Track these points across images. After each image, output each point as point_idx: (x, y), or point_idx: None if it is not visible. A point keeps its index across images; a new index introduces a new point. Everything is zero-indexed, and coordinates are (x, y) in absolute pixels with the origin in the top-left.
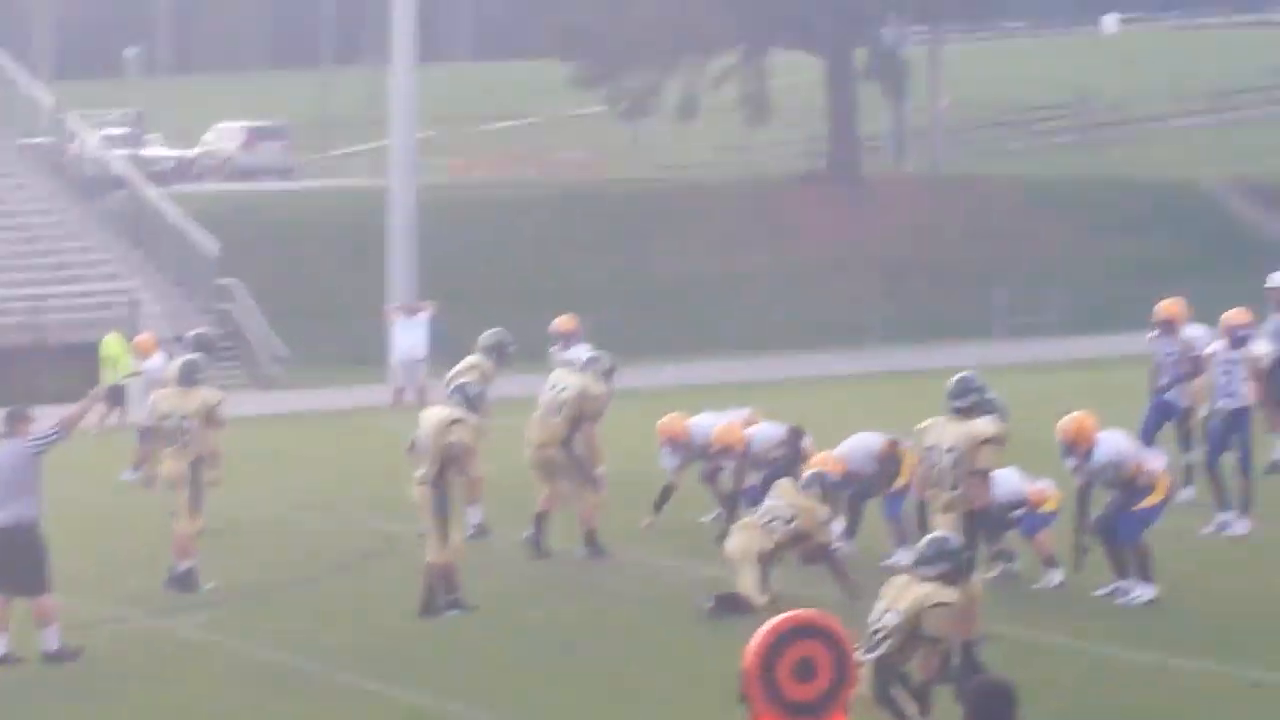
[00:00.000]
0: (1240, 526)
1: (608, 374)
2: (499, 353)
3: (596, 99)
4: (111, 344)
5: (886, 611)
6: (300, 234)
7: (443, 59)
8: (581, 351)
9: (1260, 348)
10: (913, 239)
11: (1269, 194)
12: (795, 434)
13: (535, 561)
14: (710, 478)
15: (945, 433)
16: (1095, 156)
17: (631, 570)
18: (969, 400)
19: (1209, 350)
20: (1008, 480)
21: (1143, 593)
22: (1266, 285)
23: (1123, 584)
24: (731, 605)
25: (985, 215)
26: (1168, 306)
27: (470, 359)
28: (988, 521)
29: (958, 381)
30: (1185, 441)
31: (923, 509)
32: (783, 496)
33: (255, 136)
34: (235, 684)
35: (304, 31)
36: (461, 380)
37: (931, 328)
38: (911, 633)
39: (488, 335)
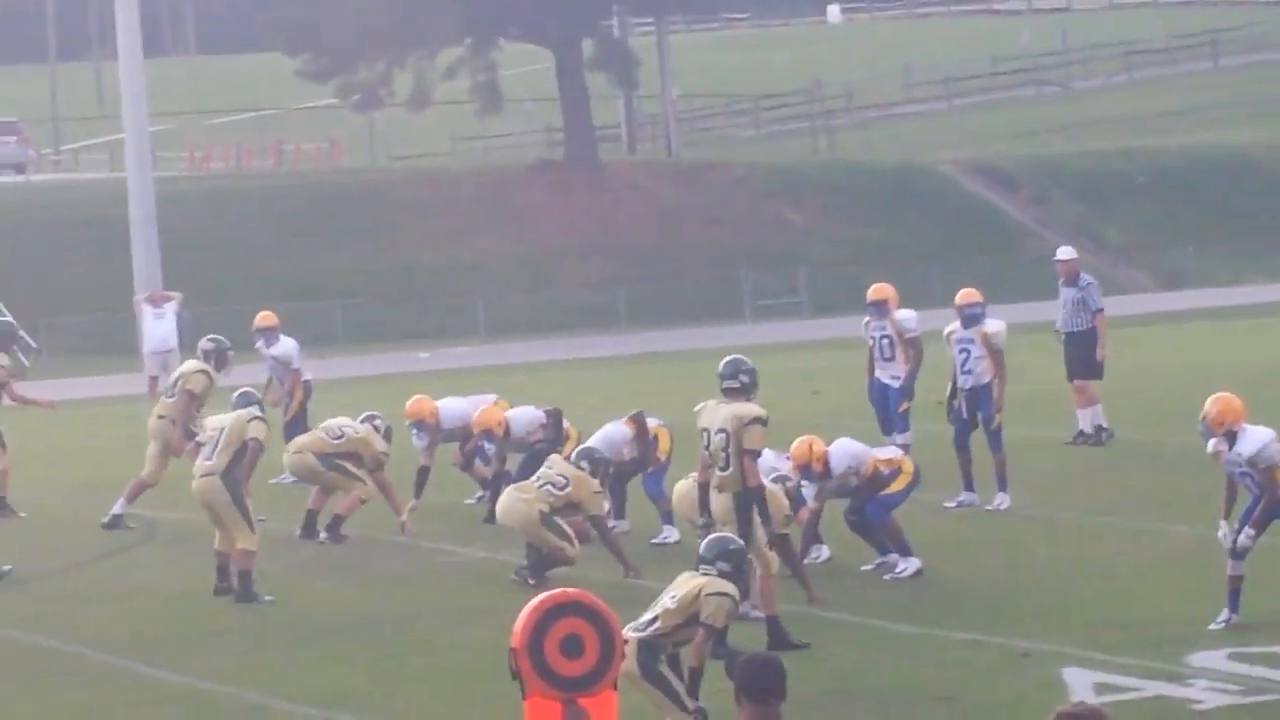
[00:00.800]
0: (1002, 501)
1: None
2: (219, 357)
3: (327, 91)
4: None
5: (667, 595)
6: (41, 228)
7: (168, 54)
8: (287, 347)
9: (992, 325)
10: (654, 225)
11: (1002, 176)
12: (555, 416)
13: (305, 545)
14: (466, 464)
15: (716, 414)
16: (828, 142)
17: (399, 552)
18: (739, 381)
19: (947, 330)
20: (845, 449)
21: (908, 565)
22: (1056, 258)
23: (887, 559)
24: (546, 564)
25: (724, 201)
26: (878, 289)
27: (192, 364)
28: (760, 503)
29: (728, 363)
30: (902, 423)
31: (704, 490)
32: (555, 466)
33: None
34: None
35: (29, 27)
36: (243, 391)
37: (679, 311)
38: (686, 617)
39: (207, 341)
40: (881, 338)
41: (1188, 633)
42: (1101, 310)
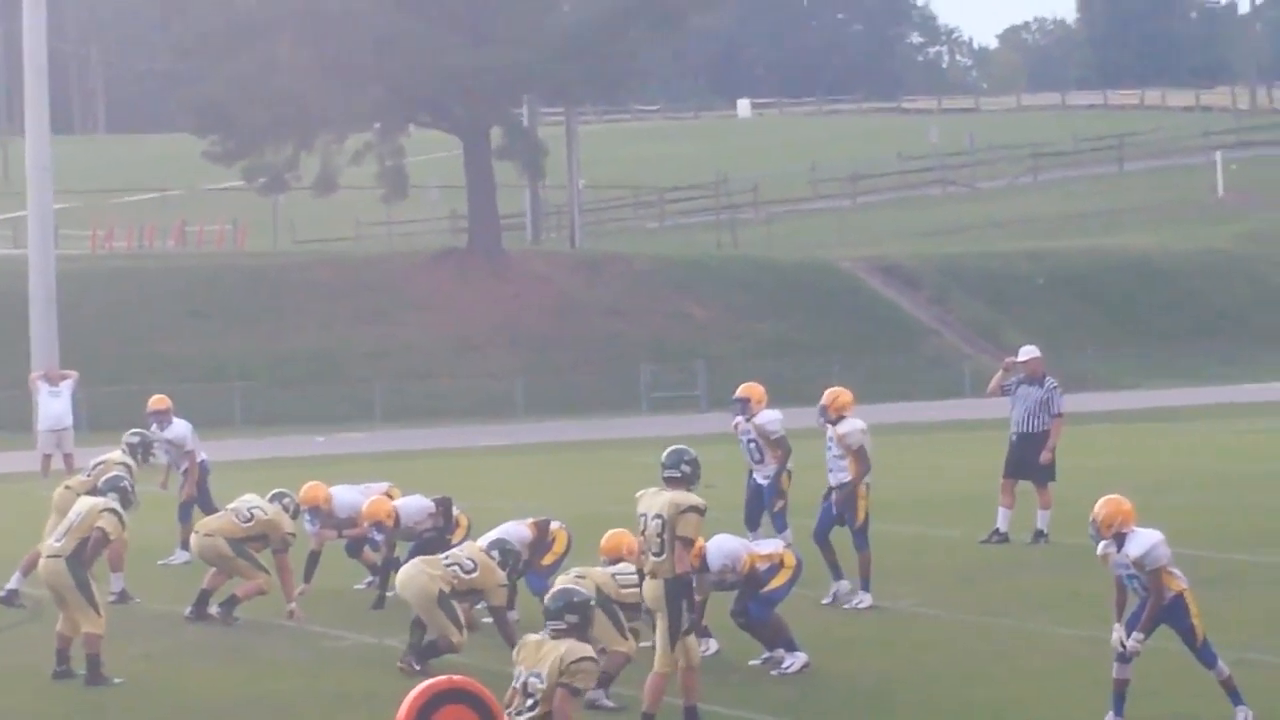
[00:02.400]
0: (863, 600)
1: None
2: (144, 450)
3: (234, 174)
4: None
5: (530, 675)
6: None
7: (75, 132)
8: (180, 429)
9: (845, 426)
10: (555, 315)
11: (904, 275)
12: (445, 504)
13: (191, 626)
14: (355, 551)
15: (655, 500)
16: (733, 237)
17: (287, 636)
18: (680, 471)
19: (790, 466)
20: (720, 546)
21: (794, 661)
22: (1019, 358)
23: (773, 654)
24: (431, 651)
25: (626, 294)
26: (746, 388)
27: (118, 454)
28: (688, 590)
29: (671, 453)
30: (780, 521)
31: (642, 575)
32: (466, 550)
33: None
34: None
35: None
36: (113, 474)
37: (577, 402)
38: (554, 688)
39: (131, 435)
40: (749, 441)
41: None
42: (1061, 414)
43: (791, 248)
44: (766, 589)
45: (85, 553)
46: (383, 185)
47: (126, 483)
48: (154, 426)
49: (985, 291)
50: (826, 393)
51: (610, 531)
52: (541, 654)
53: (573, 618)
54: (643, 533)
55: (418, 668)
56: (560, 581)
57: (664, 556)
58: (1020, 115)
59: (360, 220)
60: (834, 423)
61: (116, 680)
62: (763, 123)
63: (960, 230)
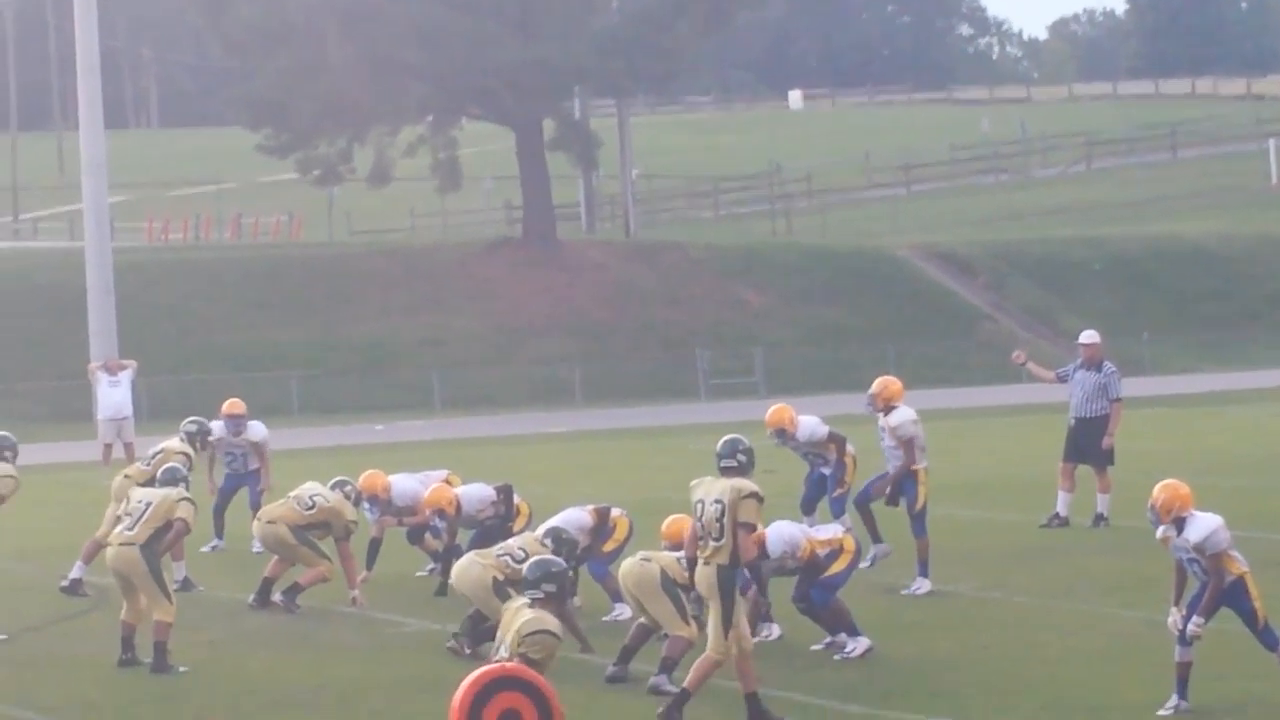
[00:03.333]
0: (921, 586)
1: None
2: (201, 439)
3: (289, 166)
4: None
5: (500, 644)
6: None
7: (130, 126)
8: (259, 430)
9: (895, 417)
10: (611, 303)
11: (960, 261)
12: (506, 492)
13: (255, 614)
14: (416, 538)
15: (713, 487)
16: (787, 225)
17: (349, 623)
18: (736, 460)
19: (851, 451)
20: (780, 532)
21: (857, 645)
22: (1079, 341)
23: (836, 639)
24: (488, 635)
25: (681, 281)
26: (774, 414)
27: (176, 443)
28: (756, 575)
29: (726, 442)
30: (838, 506)
31: (692, 564)
32: (520, 539)
33: None
34: None
35: None
36: (171, 465)
37: (635, 389)
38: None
39: (189, 423)
40: (803, 455)
41: (1138, 719)
42: (1120, 399)
43: (846, 235)
44: (827, 574)
45: (160, 542)
46: (437, 176)
47: (184, 473)
48: (228, 430)
49: (1041, 277)
50: (876, 382)
51: (672, 517)
52: (513, 622)
53: (550, 587)
54: (700, 519)
55: (468, 651)
56: (625, 565)
57: (723, 541)
58: (1072, 104)
59: (415, 211)
60: (884, 413)
61: (181, 668)
62: (814, 113)
63: (1014, 218)
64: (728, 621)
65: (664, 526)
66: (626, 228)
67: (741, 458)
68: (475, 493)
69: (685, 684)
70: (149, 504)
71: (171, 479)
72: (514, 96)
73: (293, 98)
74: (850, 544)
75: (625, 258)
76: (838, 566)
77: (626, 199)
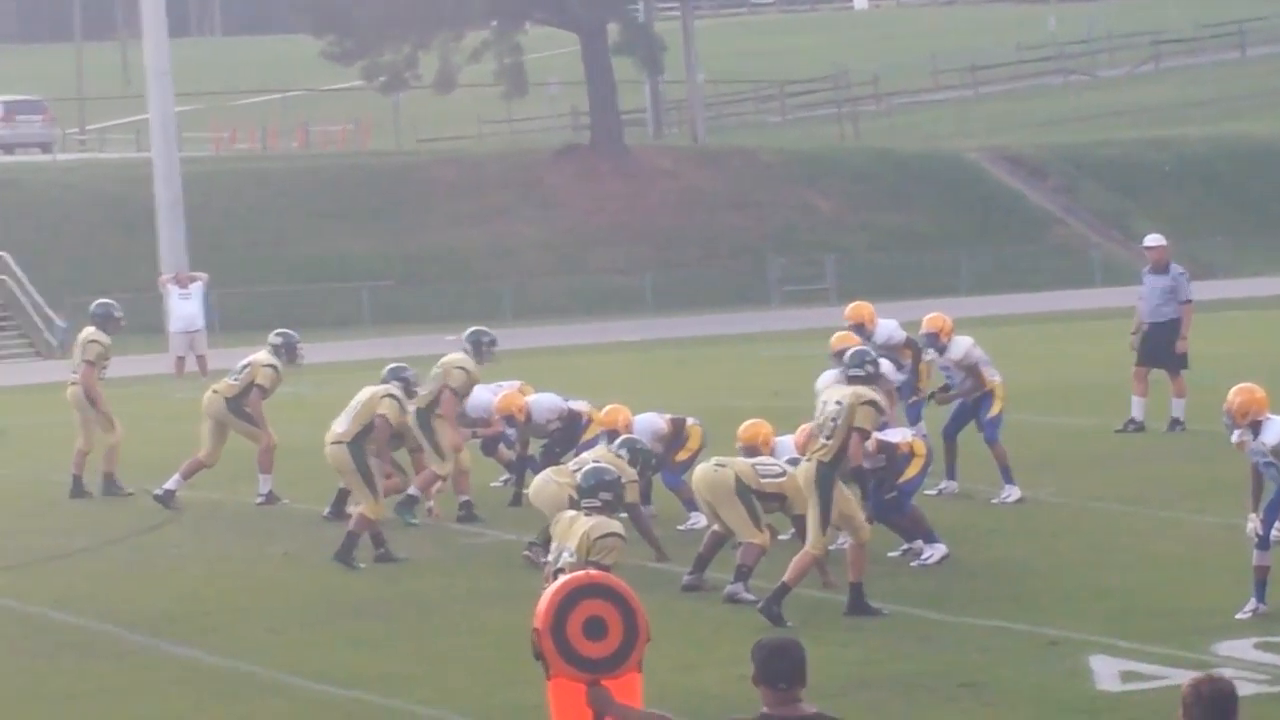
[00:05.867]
0: (1010, 494)
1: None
2: (288, 351)
3: (353, 74)
4: None
5: (562, 550)
6: (67, 207)
7: (194, 35)
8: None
9: (956, 350)
10: (680, 210)
11: (1028, 164)
12: (677, 423)
13: (331, 526)
14: (490, 449)
15: (838, 389)
16: (855, 129)
17: (424, 534)
18: (865, 370)
19: (927, 359)
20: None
21: (933, 552)
22: (1145, 244)
23: (913, 545)
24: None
25: (750, 187)
26: (854, 309)
27: (264, 355)
28: (861, 480)
29: (854, 353)
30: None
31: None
32: (595, 453)
33: (12, 110)
34: (28, 649)
35: (55, 6)
36: (397, 364)
37: (705, 296)
38: (586, 564)
39: (275, 335)
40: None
41: (1215, 622)
42: (1190, 301)
43: (913, 139)
44: (902, 479)
45: (367, 438)
46: (502, 82)
47: (408, 373)
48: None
49: (1112, 180)
50: (928, 321)
51: (748, 422)
52: (573, 530)
53: (606, 495)
54: (817, 418)
55: (544, 560)
56: (699, 471)
57: (833, 441)
58: (1139, 3)
59: (481, 118)
60: (943, 350)
61: (360, 565)
62: (879, 14)
63: (1082, 119)
64: (825, 517)
65: (740, 431)
66: (694, 133)
67: (870, 367)
68: (545, 401)
69: (785, 578)
70: (359, 401)
71: (391, 376)
72: (578, 0)
73: (357, 4)
74: (921, 448)
75: (693, 164)
76: (911, 471)
77: (694, 104)
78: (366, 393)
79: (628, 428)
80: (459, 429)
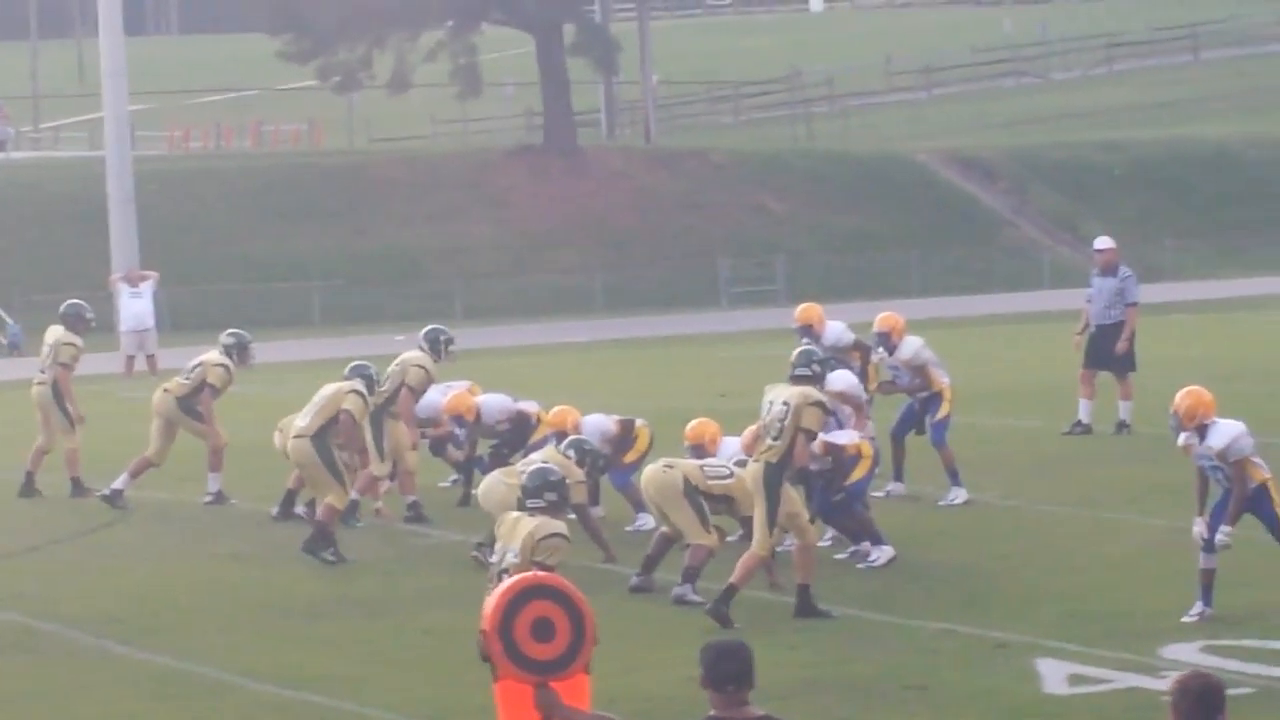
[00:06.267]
0: (957, 496)
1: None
2: (240, 351)
3: (308, 73)
4: None
5: (506, 551)
6: (19, 205)
7: (150, 33)
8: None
9: (905, 350)
10: (632, 210)
11: (981, 166)
12: (625, 425)
13: (279, 526)
14: (439, 450)
15: (784, 390)
16: (808, 130)
17: (373, 535)
18: (810, 370)
19: (875, 359)
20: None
21: (880, 554)
22: (1095, 248)
23: (859, 548)
24: None
25: (703, 188)
26: (804, 311)
27: (215, 355)
28: (806, 481)
29: (801, 353)
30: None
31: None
32: (543, 454)
33: None
34: None
35: (11, 3)
36: (359, 362)
37: (656, 297)
38: (529, 564)
39: (227, 335)
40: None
41: (1161, 626)
42: (1136, 304)
43: (867, 141)
44: (849, 481)
45: (330, 433)
46: (457, 83)
47: (370, 370)
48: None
49: (1063, 182)
50: (880, 320)
51: (695, 421)
52: (518, 530)
53: (551, 495)
54: (764, 419)
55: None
56: (647, 472)
57: (780, 442)
58: (1093, 5)
59: (435, 118)
60: (893, 350)
61: (329, 556)
62: (834, 16)
63: (1036, 121)
64: (772, 519)
65: (687, 430)
66: (647, 134)
67: (816, 367)
68: (495, 402)
69: (732, 579)
70: (323, 396)
71: (355, 374)
72: (534, 0)
73: (313, 3)
74: (868, 449)
75: (646, 165)
76: (859, 473)
77: (648, 105)
78: (330, 389)
79: (576, 429)
80: (411, 428)
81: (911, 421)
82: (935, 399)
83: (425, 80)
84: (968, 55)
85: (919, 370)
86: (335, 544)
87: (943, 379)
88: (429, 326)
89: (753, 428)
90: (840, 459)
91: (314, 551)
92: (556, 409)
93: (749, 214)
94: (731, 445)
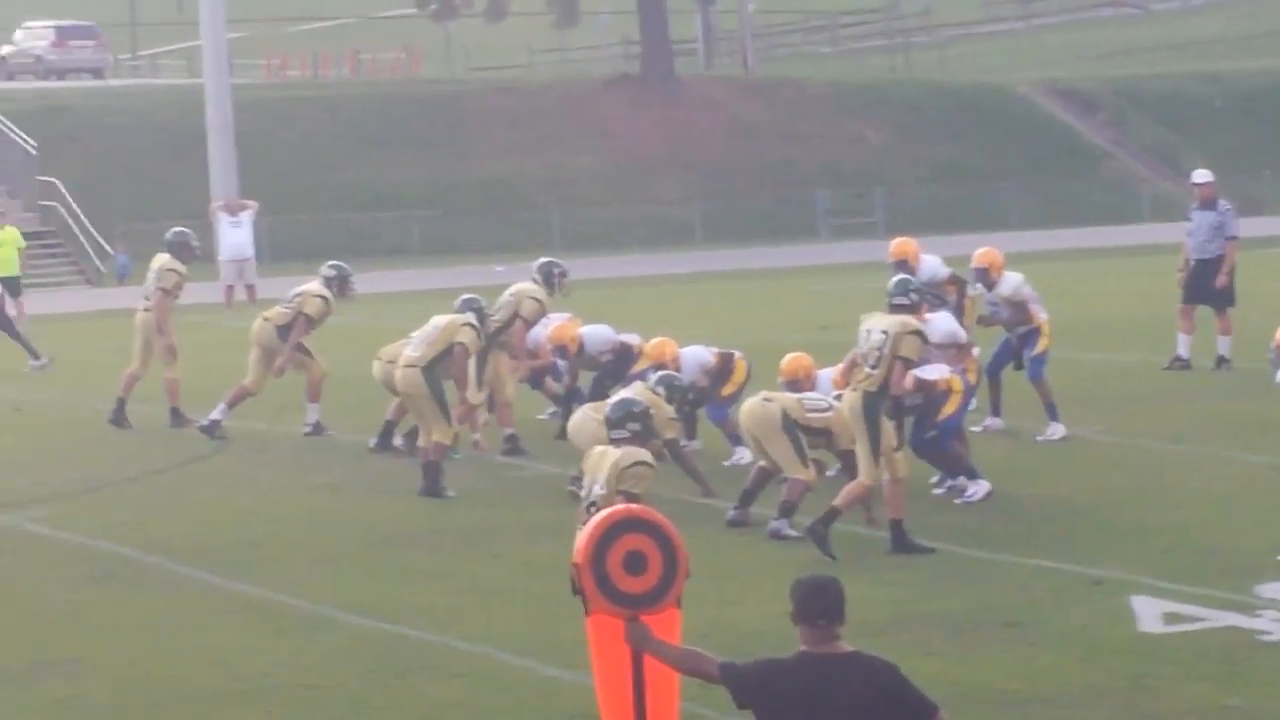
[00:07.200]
0: (1055, 431)
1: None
2: (340, 284)
3: (406, 1)
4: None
5: (593, 483)
6: (118, 133)
7: None
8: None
9: (1007, 285)
10: (730, 141)
11: (1081, 98)
12: (724, 357)
13: (377, 458)
14: (538, 382)
15: (882, 319)
16: (906, 60)
17: (470, 467)
18: (908, 298)
19: (973, 294)
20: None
21: (977, 489)
22: (1193, 181)
23: (956, 483)
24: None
25: (800, 119)
26: (899, 246)
27: (316, 285)
28: (899, 409)
29: (897, 282)
30: None
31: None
32: (633, 389)
33: (65, 36)
34: (73, 579)
35: None
36: (469, 295)
37: (755, 228)
38: (616, 494)
39: (329, 267)
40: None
41: (1259, 564)
42: (1236, 237)
43: (965, 71)
44: (941, 417)
45: (443, 364)
46: (553, 11)
47: (480, 303)
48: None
49: (1162, 114)
50: (979, 256)
51: (790, 355)
52: (604, 462)
53: (635, 425)
54: (860, 348)
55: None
56: (746, 405)
57: (877, 370)
58: None
59: (533, 47)
60: (992, 286)
61: (450, 493)
62: None
63: (1134, 52)
64: (875, 447)
65: (782, 364)
66: (744, 63)
67: (914, 296)
68: (599, 333)
69: (835, 502)
70: (436, 327)
71: (466, 307)
72: None
73: None
74: (958, 384)
75: (743, 95)
76: (949, 409)
77: (745, 34)
78: (443, 320)
79: (675, 360)
80: (523, 360)
81: (1008, 357)
82: (1033, 334)
83: (522, 8)
84: None
85: (1018, 306)
86: (440, 477)
87: (1041, 314)
88: (541, 259)
89: (843, 363)
90: (931, 394)
91: (433, 493)
92: (655, 340)
93: (846, 145)
94: (826, 378)
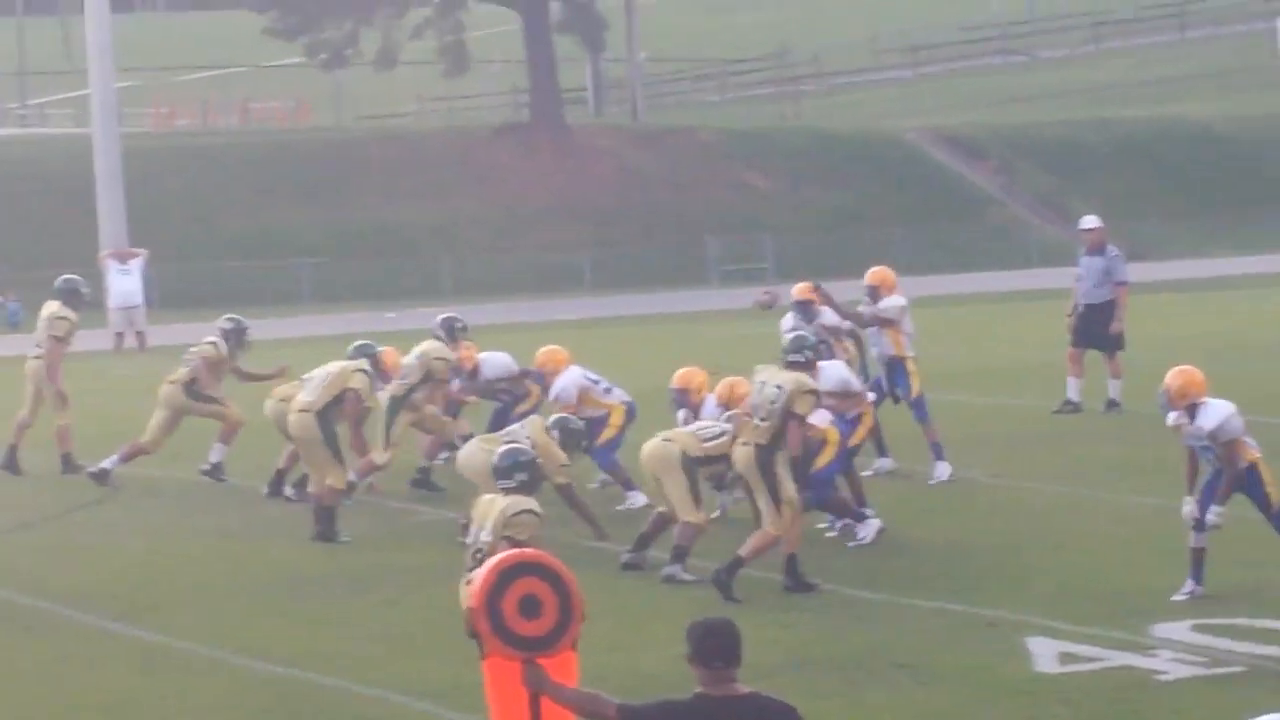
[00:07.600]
0: (942, 471)
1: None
2: (237, 336)
3: (295, 50)
4: None
5: (480, 531)
6: (6, 183)
7: (137, 9)
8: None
9: (885, 302)
10: (619, 188)
11: (967, 145)
12: (525, 373)
13: (267, 503)
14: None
15: (778, 374)
16: (795, 108)
17: (363, 511)
18: (804, 355)
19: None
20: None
21: (867, 531)
22: (1081, 227)
23: (846, 523)
24: None
25: (689, 166)
26: (800, 289)
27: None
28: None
29: (794, 339)
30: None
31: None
32: (527, 427)
33: None
34: None
35: None
36: (363, 342)
37: (645, 275)
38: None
39: (226, 320)
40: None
41: (1152, 604)
42: (1126, 283)
43: (854, 119)
44: (816, 468)
45: (334, 410)
46: (443, 60)
47: (374, 349)
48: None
49: (1050, 161)
50: (872, 274)
51: (683, 369)
52: (491, 510)
53: (522, 476)
54: (753, 399)
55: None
56: (647, 447)
57: (768, 423)
58: None
59: (422, 96)
60: (878, 301)
61: (344, 538)
62: None
63: (1023, 100)
64: (776, 496)
65: (674, 377)
66: (634, 111)
67: (809, 353)
68: (497, 359)
69: (741, 552)
70: (329, 373)
71: (359, 354)
72: None
73: None
74: (834, 435)
75: (633, 142)
76: (825, 459)
77: (634, 82)
78: (335, 366)
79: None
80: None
81: (880, 396)
82: (900, 368)
83: (412, 57)
84: (955, 33)
85: (888, 324)
86: (334, 523)
87: (907, 348)
88: (441, 315)
89: (729, 379)
90: (808, 443)
91: (327, 537)
92: (545, 349)
93: (735, 192)
94: (713, 401)
